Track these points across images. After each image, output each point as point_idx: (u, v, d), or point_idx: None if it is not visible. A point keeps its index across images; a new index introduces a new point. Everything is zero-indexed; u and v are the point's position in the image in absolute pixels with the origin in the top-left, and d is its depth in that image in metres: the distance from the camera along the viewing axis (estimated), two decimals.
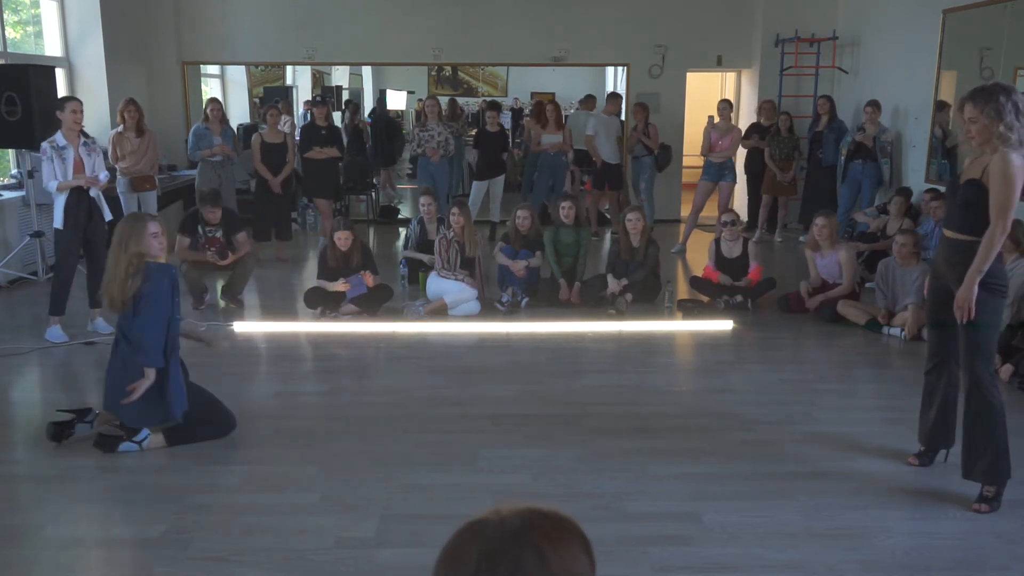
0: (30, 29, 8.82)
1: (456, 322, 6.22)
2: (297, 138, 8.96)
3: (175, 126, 10.00)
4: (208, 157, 8.31)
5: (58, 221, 5.53)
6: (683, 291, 7.07)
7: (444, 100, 11.45)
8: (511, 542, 0.99)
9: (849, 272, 6.30)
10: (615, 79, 12.85)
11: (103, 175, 5.68)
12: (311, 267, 7.84)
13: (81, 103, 5.68)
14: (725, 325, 6.16)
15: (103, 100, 8.81)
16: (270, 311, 6.61)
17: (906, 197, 7.50)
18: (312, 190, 8.96)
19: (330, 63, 12.18)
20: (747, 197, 9.90)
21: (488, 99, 11.64)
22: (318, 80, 13.58)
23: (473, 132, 10.82)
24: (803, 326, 6.16)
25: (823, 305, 6.26)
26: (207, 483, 3.62)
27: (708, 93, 11.62)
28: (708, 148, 8.72)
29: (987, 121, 3.18)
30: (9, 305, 6.65)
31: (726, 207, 8.45)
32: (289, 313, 6.54)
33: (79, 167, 5.54)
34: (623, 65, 10.74)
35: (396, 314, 6.32)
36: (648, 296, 6.68)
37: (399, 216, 11.16)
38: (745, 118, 10.45)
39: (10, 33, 8.16)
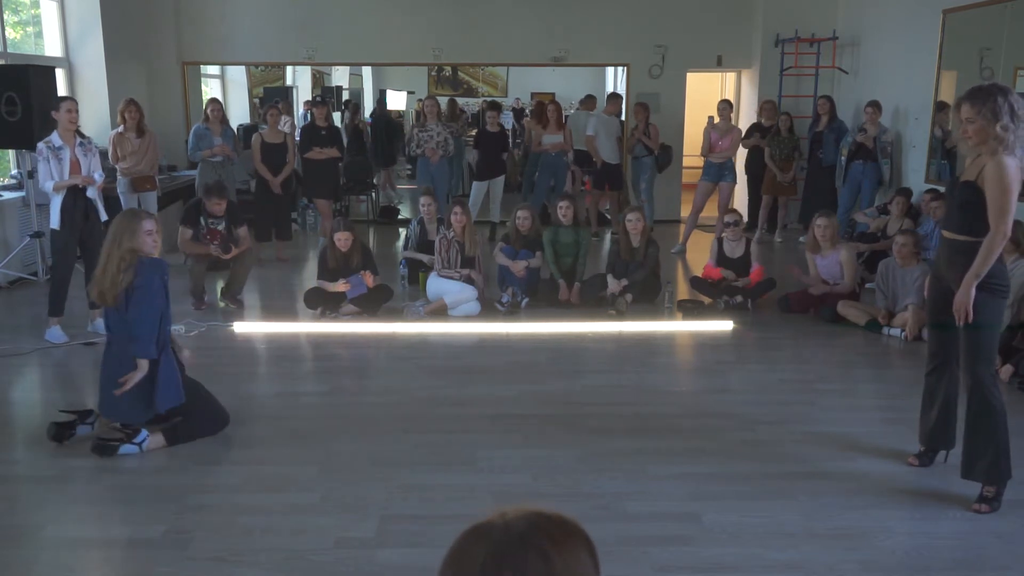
0: (30, 29, 8.82)
1: (456, 322, 6.22)
2: (297, 138, 8.96)
3: (175, 126, 10.01)
4: (208, 157, 8.30)
5: (55, 221, 5.53)
6: (683, 291, 7.07)
7: (444, 100, 11.46)
8: (516, 545, 0.99)
9: (850, 271, 6.30)
10: (615, 79, 12.84)
11: (99, 175, 5.68)
12: (311, 267, 7.84)
13: (76, 103, 5.68)
14: (725, 325, 6.16)
15: (103, 100, 8.81)
16: (270, 311, 6.61)
17: (906, 197, 7.50)
18: (312, 190, 8.96)
19: (330, 63, 12.18)
20: (747, 197, 9.90)
21: (488, 99, 11.63)
22: (318, 80, 13.58)
23: (473, 132, 10.82)
24: (803, 326, 6.16)
25: (823, 304, 6.26)
26: (207, 483, 3.62)
27: (708, 93, 11.63)
28: (708, 148, 8.72)
29: (983, 122, 3.18)
30: (9, 305, 6.65)
31: (726, 207, 8.45)
32: (289, 313, 6.54)
33: (75, 167, 5.54)
34: (623, 65, 10.74)
35: (396, 314, 6.32)
36: (648, 296, 6.68)
37: (399, 216, 11.16)
38: (745, 118, 10.45)
39: (10, 33, 8.16)
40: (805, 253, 6.63)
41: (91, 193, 5.63)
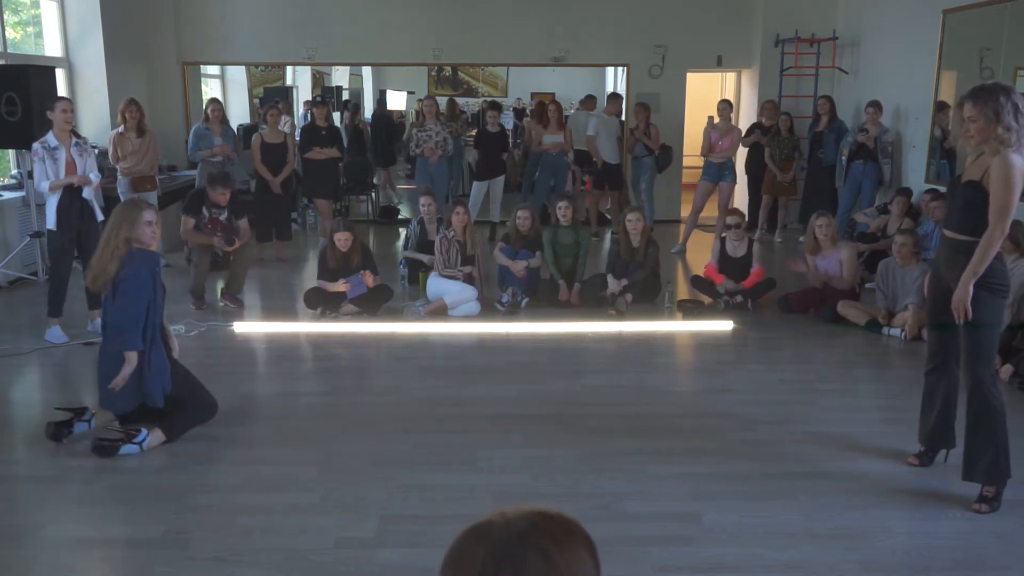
0: (30, 29, 8.82)
1: (456, 322, 6.22)
2: (297, 138, 8.96)
3: (175, 126, 10.01)
4: (208, 157, 8.30)
5: (51, 222, 5.52)
6: (683, 291, 7.07)
7: (443, 101, 11.46)
8: (516, 544, 0.99)
9: (850, 269, 6.30)
10: (615, 79, 12.85)
11: (94, 175, 5.66)
12: (311, 267, 7.84)
13: (71, 103, 5.68)
14: (725, 325, 6.16)
15: (103, 100, 8.82)
16: (270, 311, 6.61)
17: (907, 197, 7.50)
18: (312, 190, 8.96)
19: (330, 63, 12.18)
20: (747, 197, 9.90)
21: (489, 99, 11.64)
22: (318, 80, 13.58)
23: (473, 132, 10.82)
24: (803, 326, 6.16)
25: (823, 304, 6.27)
26: (207, 483, 3.62)
27: (708, 93, 11.63)
28: (708, 148, 8.71)
29: (985, 121, 3.19)
30: (9, 305, 6.65)
31: (726, 207, 8.45)
32: (289, 313, 6.54)
33: (71, 168, 5.52)
34: (623, 65, 10.74)
35: (396, 314, 6.32)
36: (648, 296, 6.68)
37: (399, 216, 11.16)
38: (745, 118, 10.46)
39: (10, 33, 8.16)
40: (805, 255, 6.61)
41: (87, 193, 5.61)
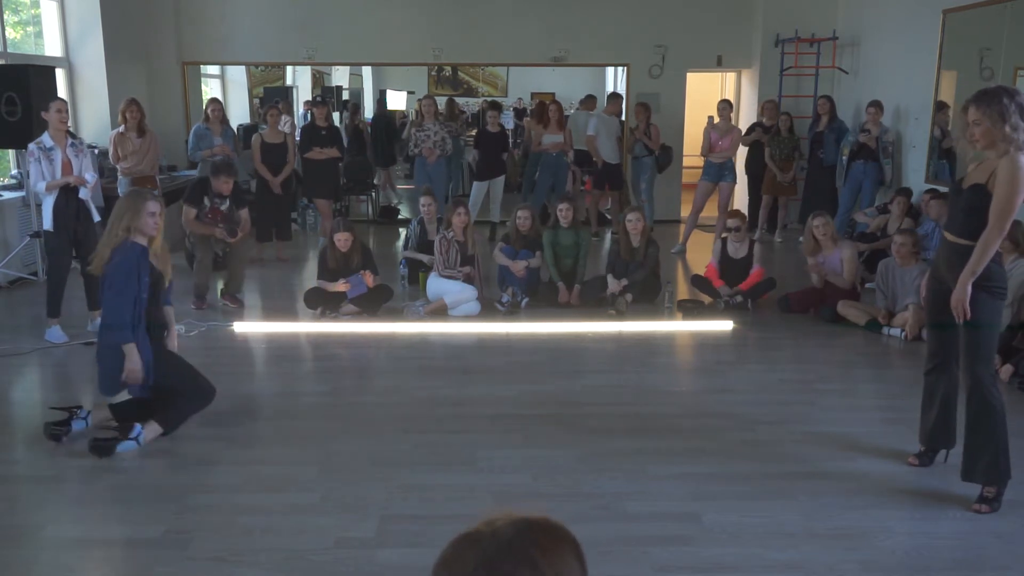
0: (30, 29, 8.82)
1: (456, 322, 6.22)
2: (297, 138, 8.96)
3: (175, 126, 10.01)
4: (208, 157, 8.29)
5: (47, 222, 5.51)
6: (683, 291, 7.07)
7: (442, 100, 11.46)
8: (505, 553, 0.99)
9: (851, 269, 6.30)
10: (615, 79, 12.85)
11: (91, 176, 5.64)
12: (311, 267, 7.84)
13: (66, 103, 5.66)
14: (725, 325, 6.16)
15: (103, 100, 8.82)
16: (270, 311, 6.61)
17: (907, 197, 7.50)
18: (312, 190, 8.96)
19: (330, 63, 12.18)
20: (747, 197, 9.90)
21: (489, 99, 11.63)
22: (318, 80, 13.58)
23: (473, 132, 10.81)
24: (803, 326, 6.16)
25: (823, 304, 6.27)
26: (207, 483, 3.62)
27: (708, 93, 11.63)
28: (708, 148, 8.71)
29: (990, 124, 3.19)
30: (9, 305, 6.65)
31: (726, 208, 8.46)
32: (289, 313, 6.54)
33: (67, 168, 5.51)
34: (623, 65, 10.74)
35: (396, 314, 6.32)
36: (648, 296, 6.68)
37: (399, 216, 11.16)
38: (745, 118, 10.46)
39: (10, 33, 8.16)
40: (806, 257, 6.59)
41: (83, 194, 5.60)
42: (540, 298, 6.65)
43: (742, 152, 9.46)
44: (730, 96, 10.66)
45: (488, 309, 6.44)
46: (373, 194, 11.14)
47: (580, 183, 10.46)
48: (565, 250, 6.79)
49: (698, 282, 6.79)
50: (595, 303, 6.59)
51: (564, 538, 1.05)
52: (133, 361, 3.94)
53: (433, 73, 13.91)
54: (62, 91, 8.35)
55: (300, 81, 13.28)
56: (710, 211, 9.13)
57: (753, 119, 10.00)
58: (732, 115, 9.00)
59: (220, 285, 6.83)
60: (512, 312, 6.41)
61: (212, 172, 6.67)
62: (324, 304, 6.28)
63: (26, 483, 3.67)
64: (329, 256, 6.36)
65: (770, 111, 9.62)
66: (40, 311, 5.86)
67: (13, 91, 6.23)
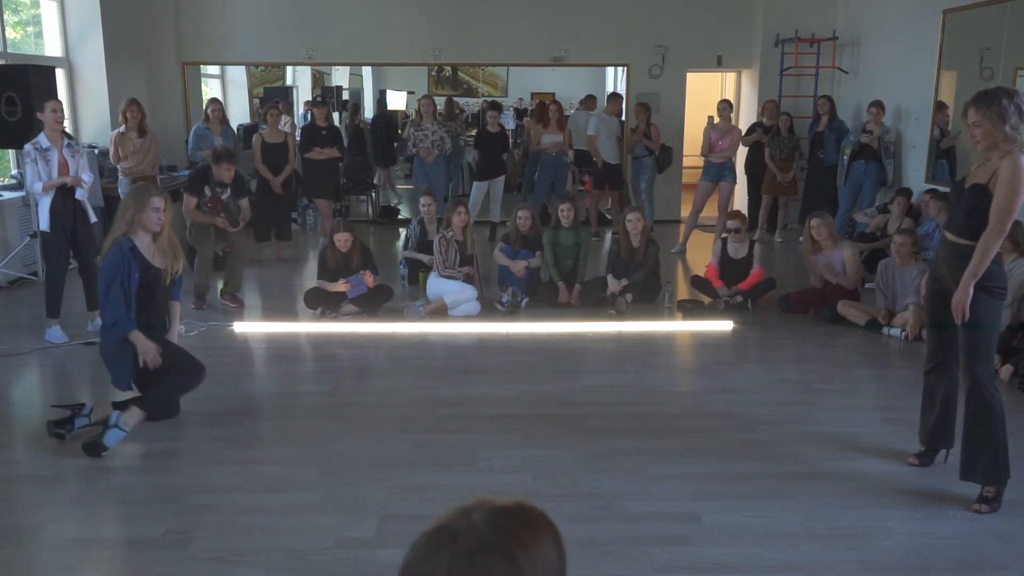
0: (30, 29, 8.82)
1: (456, 322, 6.22)
2: (298, 138, 8.95)
3: (175, 126, 10.01)
4: (208, 158, 8.29)
5: (44, 223, 5.50)
6: (683, 291, 7.07)
7: (441, 100, 11.46)
8: (483, 549, 0.97)
9: (853, 268, 6.30)
10: (615, 79, 12.85)
11: (87, 176, 5.63)
12: (311, 267, 7.84)
13: (61, 103, 5.65)
14: (725, 325, 6.16)
15: (103, 100, 8.82)
16: (270, 311, 6.61)
17: (907, 197, 7.50)
18: (312, 190, 8.95)
19: (330, 63, 12.18)
20: (747, 197, 9.90)
21: (489, 99, 11.64)
22: (318, 80, 13.59)
23: (473, 132, 10.81)
24: (803, 326, 6.16)
25: (823, 304, 6.27)
26: (207, 483, 3.62)
27: (708, 93, 11.63)
28: (708, 148, 8.71)
29: (990, 125, 3.19)
30: (9, 305, 6.65)
31: (726, 208, 8.46)
32: (289, 313, 6.54)
33: (63, 169, 5.49)
34: (623, 65, 10.74)
35: (396, 314, 6.32)
36: (648, 296, 6.68)
37: (399, 216, 11.16)
38: (745, 118, 10.45)
39: (10, 33, 8.16)
40: (806, 257, 6.58)
41: (79, 194, 5.58)
42: (540, 298, 6.65)
43: (742, 152, 9.46)
44: (730, 96, 10.66)
45: (488, 309, 6.44)
46: (373, 194, 11.14)
47: (580, 183, 10.46)
48: (565, 250, 6.79)
49: (698, 283, 6.79)
50: (595, 303, 6.59)
51: (543, 527, 1.02)
52: (143, 345, 3.99)
53: (433, 73, 13.92)
54: (62, 91, 8.36)
55: (300, 81, 13.28)
56: (710, 211, 9.13)
57: (753, 119, 10.00)
58: (732, 115, 9.00)
59: (220, 285, 6.83)
60: (512, 312, 6.41)
61: (213, 159, 6.61)
62: (324, 304, 6.28)
63: (26, 483, 3.67)
64: (329, 256, 6.36)
65: (770, 111, 9.62)
66: (40, 311, 5.86)
67: (13, 91, 6.23)
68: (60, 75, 8.43)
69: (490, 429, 4.19)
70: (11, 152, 7.94)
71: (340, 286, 6.27)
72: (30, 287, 7.04)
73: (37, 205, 5.74)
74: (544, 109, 9.63)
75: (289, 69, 12.69)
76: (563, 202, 6.97)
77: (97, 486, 3.62)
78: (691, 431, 4.19)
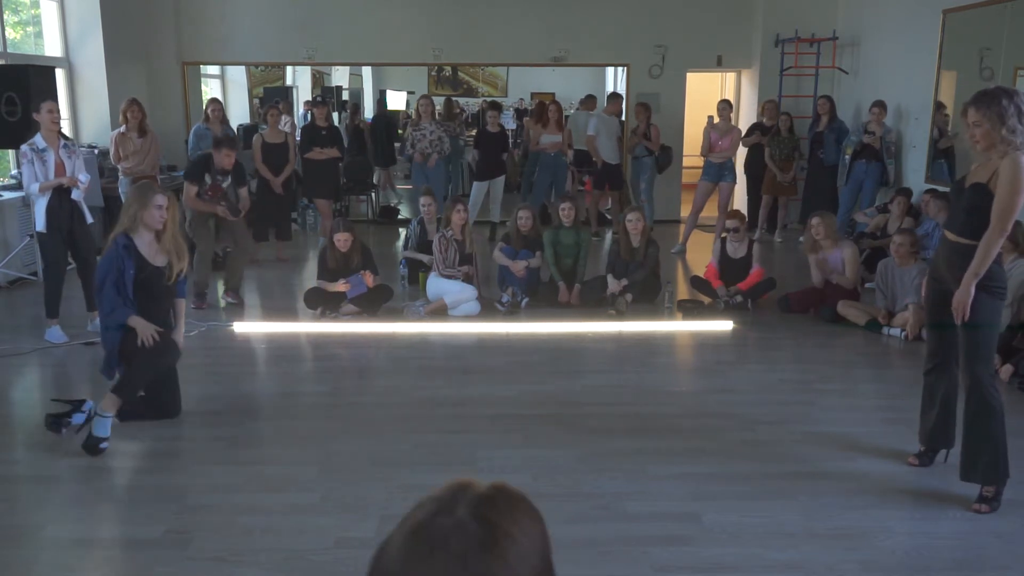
0: (30, 29, 8.82)
1: (456, 322, 6.22)
2: (298, 138, 8.95)
3: (175, 126, 10.01)
4: None
5: (40, 224, 5.48)
6: (683, 291, 7.07)
7: (440, 100, 11.47)
8: (476, 549, 0.89)
9: (852, 268, 6.30)
10: (615, 79, 12.85)
11: (83, 177, 5.61)
12: (311, 267, 7.84)
13: (57, 104, 5.63)
14: (725, 325, 6.16)
15: (103, 100, 8.82)
16: (270, 311, 6.61)
17: (907, 197, 7.50)
18: (312, 190, 8.95)
19: (330, 63, 12.19)
20: (747, 197, 9.90)
21: (489, 99, 11.63)
22: (318, 80, 13.59)
23: (473, 132, 10.80)
24: (803, 326, 6.16)
25: (823, 304, 6.27)
26: (207, 483, 3.62)
27: (708, 93, 11.63)
28: (708, 148, 8.71)
29: (989, 125, 3.19)
30: (9, 305, 6.65)
31: (726, 207, 8.45)
32: (289, 313, 6.54)
33: (60, 169, 5.47)
34: (623, 65, 10.74)
35: (396, 314, 6.31)
36: (648, 296, 6.68)
37: (399, 216, 11.16)
38: (745, 118, 10.45)
39: (10, 33, 8.16)
40: (807, 256, 6.58)
41: (76, 195, 5.57)
42: (540, 298, 6.65)
43: (742, 152, 9.46)
44: (730, 96, 10.65)
45: (488, 309, 6.44)
46: (373, 194, 11.14)
47: (579, 183, 10.46)
48: (566, 249, 6.79)
49: (697, 283, 6.79)
50: (595, 303, 6.59)
51: (526, 512, 0.96)
52: (143, 327, 4.00)
53: (433, 73, 13.92)
54: (62, 91, 8.36)
55: (300, 81, 13.29)
56: (710, 211, 9.13)
57: (753, 119, 10.00)
58: (732, 115, 9.00)
59: (220, 284, 6.82)
60: (512, 312, 6.41)
61: (214, 145, 6.58)
62: (324, 304, 6.28)
63: (26, 483, 3.67)
64: (329, 256, 6.36)
65: (770, 111, 9.62)
66: (40, 311, 5.86)
67: (13, 91, 6.24)
68: (60, 75, 8.43)
69: (490, 429, 4.19)
70: (11, 152, 7.94)
71: (340, 286, 6.27)
72: (30, 287, 7.04)
73: (34, 206, 5.73)
74: (543, 109, 9.63)
75: (289, 69, 12.70)
76: (564, 201, 6.97)
77: (97, 486, 3.63)
78: (691, 431, 4.19)
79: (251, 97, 12.57)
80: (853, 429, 4.20)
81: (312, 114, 9.15)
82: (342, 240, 6.27)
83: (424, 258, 6.97)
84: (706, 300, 6.68)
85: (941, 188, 7.32)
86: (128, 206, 4.15)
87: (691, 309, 6.57)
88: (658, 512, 3.36)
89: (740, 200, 9.80)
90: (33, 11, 8.78)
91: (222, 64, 11.55)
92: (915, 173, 8.30)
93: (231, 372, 5.06)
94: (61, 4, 8.63)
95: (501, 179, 9.49)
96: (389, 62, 11.86)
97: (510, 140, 11.00)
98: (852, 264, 6.31)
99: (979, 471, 3.39)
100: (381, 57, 10.92)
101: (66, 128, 8.43)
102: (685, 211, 9.91)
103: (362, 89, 14.73)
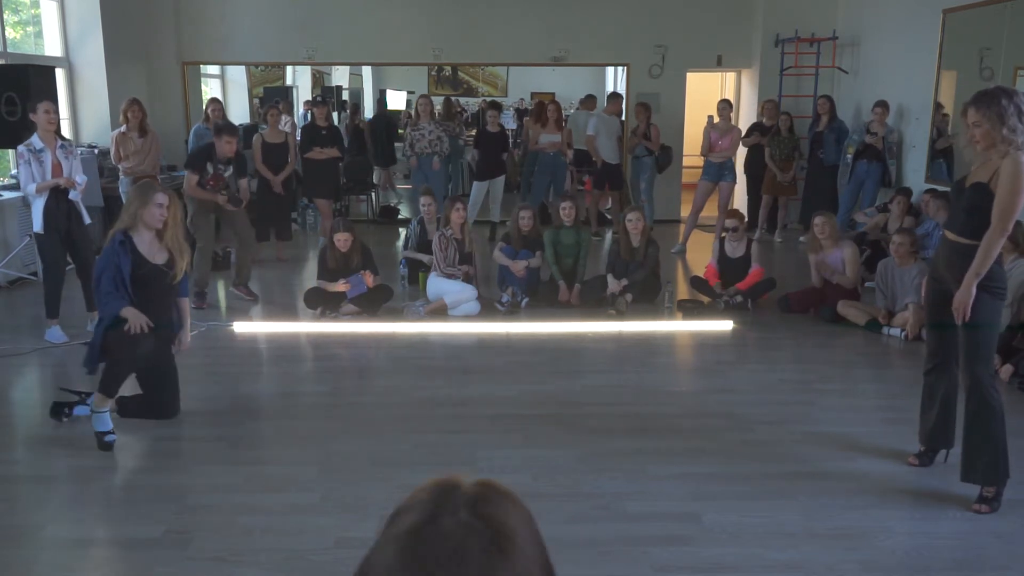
0: (30, 29, 8.82)
1: (456, 322, 6.22)
2: (298, 138, 8.95)
3: (175, 126, 10.00)
4: None
5: (37, 225, 5.47)
6: (683, 291, 7.07)
7: (439, 100, 11.46)
8: (494, 557, 0.84)
9: (853, 268, 6.30)
10: (615, 79, 12.84)
11: (80, 178, 5.59)
12: (311, 267, 7.84)
13: (53, 104, 5.61)
14: (725, 325, 6.16)
15: (103, 100, 8.82)
16: (270, 311, 6.61)
17: (907, 197, 7.50)
18: (312, 190, 8.94)
19: (330, 63, 12.18)
20: (747, 197, 9.90)
21: (489, 99, 11.63)
22: (318, 80, 13.59)
23: (473, 132, 10.79)
24: (803, 326, 6.16)
25: (823, 304, 6.27)
26: (207, 483, 3.62)
27: (708, 93, 11.63)
28: (708, 148, 8.71)
29: (989, 125, 3.19)
30: (9, 305, 6.66)
31: (726, 207, 8.45)
32: (289, 313, 6.54)
33: (57, 170, 5.46)
34: (623, 65, 10.74)
35: (396, 314, 6.31)
36: (648, 296, 6.68)
37: (399, 216, 11.16)
38: (745, 118, 10.45)
39: (10, 33, 8.16)
40: (808, 255, 6.59)
41: (73, 196, 5.55)
42: (540, 298, 6.65)
43: (742, 152, 9.46)
44: (730, 96, 10.64)
45: (488, 309, 6.43)
46: (373, 194, 11.14)
47: (579, 183, 10.46)
48: (566, 249, 6.79)
49: (697, 283, 6.79)
50: (595, 303, 6.59)
51: (527, 514, 0.92)
52: (133, 316, 3.97)
53: (433, 73, 13.91)
54: (62, 91, 8.35)
55: (300, 81, 13.28)
56: (710, 211, 9.13)
57: (753, 119, 10.00)
58: (732, 115, 9.00)
59: (221, 284, 6.82)
60: (512, 312, 6.41)
61: (215, 133, 6.57)
62: (324, 304, 6.28)
63: (26, 483, 3.67)
64: (329, 256, 6.36)
65: (770, 111, 9.61)
66: (40, 311, 5.85)
67: (13, 91, 6.23)
68: (60, 75, 8.42)
69: (490, 429, 4.19)
70: (11, 152, 7.94)
71: (340, 286, 6.27)
72: (30, 287, 7.04)
73: (32, 206, 5.73)
74: (542, 109, 9.63)
75: (289, 69, 12.69)
76: (564, 201, 6.97)
77: (97, 486, 3.63)
78: (691, 431, 4.19)
79: (251, 97, 12.57)
80: (853, 429, 4.20)
81: (312, 114, 9.14)
82: (342, 240, 6.27)
83: (424, 258, 6.97)
84: (706, 301, 6.67)
85: (941, 188, 7.32)
86: (129, 204, 4.17)
87: (691, 309, 6.57)
88: (658, 512, 3.36)
89: (740, 200, 9.80)
90: (33, 11, 8.78)
91: (222, 64, 11.55)
92: (915, 173, 8.30)
93: (231, 372, 5.06)
94: (61, 4, 8.63)
95: (501, 179, 9.48)
96: (389, 62, 11.86)
97: (510, 140, 10.99)
98: (852, 264, 6.31)
99: (979, 471, 3.39)
100: (381, 57, 10.92)
101: (66, 128, 8.43)
102: (685, 211, 9.91)
103: (362, 89, 14.73)
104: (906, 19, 8.50)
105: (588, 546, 3.07)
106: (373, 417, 4.36)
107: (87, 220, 5.74)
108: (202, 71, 11.22)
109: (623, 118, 10.11)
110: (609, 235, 9.41)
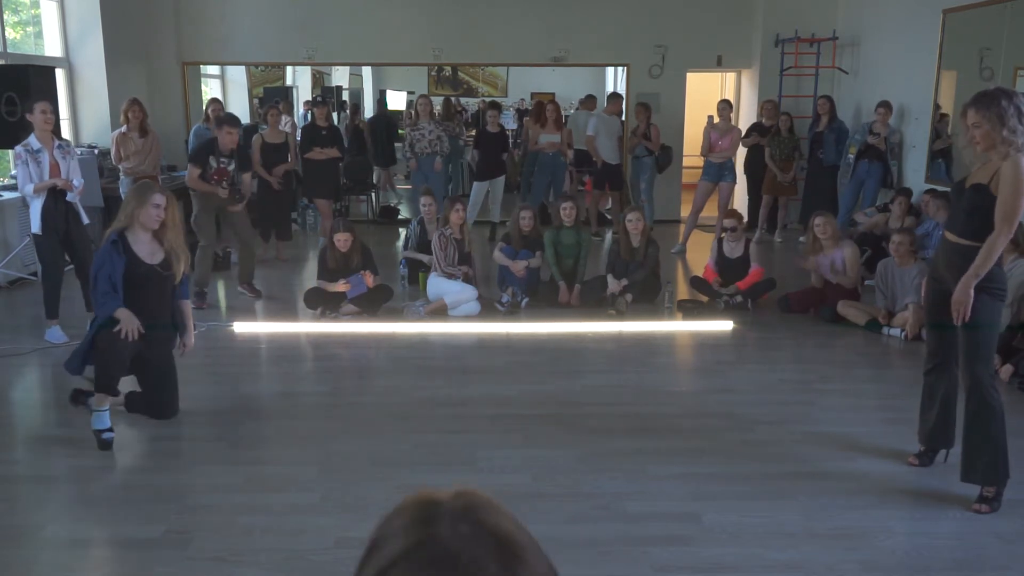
0: (30, 29, 8.82)
1: (456, 322, 6.22)
2: (298, 138, 8.95)
3: (175, 126, 10.00)
4: None
5: (35, 226, 5.46)
6: (683, 291, 7.07)
7: (439, 100, 11.46)
8: (510, 567, 0.81)
9: (853, 268, 6.30)
10: (615, 79, 12.85)
11: (77, 180, 5.58)
12: (311, 267, 7.84)
13: (50, 104, 5.60)
14: (725, 325, 6.16)
15: (103, 100, 8.81)
16: (270, 311, 6.61)
17: (907, 197, 7.50)
18: (312, 190, 8.94)
19: (330, 63, 12.18)
20: (747, 197, 9.90)
21: (489, 99, 11.63)
22: (318, 80, 13.59)
23: (473, 132, 10.79)
24: (803, 326, 6.16)
25: (823, 304, 6.27)
26: (207, 483, 3.62)
27: (708, 93, 11.63)
28: (708, 148, 8.71)
29: (989, 126, 3.19)
30: (9, 305, 6.66)
31: (726, 207, 8.45)
32: (289, 313, 6.54)
33: (55, 170, 5.45)
34: (623, 65, 10.74)
35: (396, 314, 6.31)
36: (648, 296, 6.68)
37: (399, 216, 11.16)
38: (745, 118, 10.45)
39: (10, 33, 8.16)
40: (804, 258, 6.58)
41: (71, 197, 5.55)
42: (540, 298, 6.65)
43: (742, 152, 9.46)
44: (730, 96, 10.64)
45: (488, 309, 6.43)
46: (373, 194, 11.14)
47: (579, 183, 10.45)
48: (567, 249, 6.79)
49: (697, 283, 6.79)
50: (595, 303, 6.59)
51: (520, 524, 0.88)
52: (126, 318, 3.96)
53: (433, 73, 13.91)
54: (62, 91, 8.35)
55: (300, 81, 13.28)
56: (710, 211, 9.12)
57: (753, 119, 10.00)
58: (732, 115, 9.00)
59: (221, 285, 6.82)
60: (512, 312, 6.41)
61: (216, 125, 6.57)
62: (324, 304, 6.28)
63: (26, 483, 3.67)
64: (329, 256, 6.36)
65: (770, 111, 9.61)
66: (40, 311, 5.85)
67: (13, 91, 6.23)
68: (60, 75, 8.42)
69: (490, 429, 4.19)
70: (11, 152, 7.94)
71: (340, 286, 6.27)
72: (30, 287, 7.04)
73: (30, 207, 5.72)
74: (542, 109, 9.63)
75: (289, 69, 12.69)
76: (565, 200, 6.97)
77: (97, 486, 3.63)
78: (691, 431, 4.19)
79: (251, 97, 12.56)
80: (853, 429, 4.20)
81: (312, 114, 9.14)
82: (342, 240, 6.27)
83: (424, 258, 6.97)
84: (706, 300, 6.67)
85: (941, 188, 7.32)
86: (126, 204, 4.18)
87: (691, 309, 6.57)
88: (658, 512, 3.36)
89: (740, 200, 9.80)
90: (33, 11, 8.77)
91: (222, 64, 11.55)
92: (915, 173, 8.30)
93: (231, 372, 5.06)
94: (61, 4, 8.63)
95: (501, 179, 9.48)
96: (389, 62, 11.85)
97: (510, 140, 10.99)
98: (853, 263, 6.31)
99: (979, 471, 3.39)
100: (381, 57, 10.91)
101: (66, 128, 8.43)
102: (685, 211, 9.91)
103: (362, 89, 14.73)
104: (906, 19, 8.50)
105: (588, 546, 3.07)
106: (373, 417, 4.36)
107: (85, 220, 5.74)
108: (202, 71, 11.22)
109: (623, 118, 10.11)
110: (609, 235, 9.41)
